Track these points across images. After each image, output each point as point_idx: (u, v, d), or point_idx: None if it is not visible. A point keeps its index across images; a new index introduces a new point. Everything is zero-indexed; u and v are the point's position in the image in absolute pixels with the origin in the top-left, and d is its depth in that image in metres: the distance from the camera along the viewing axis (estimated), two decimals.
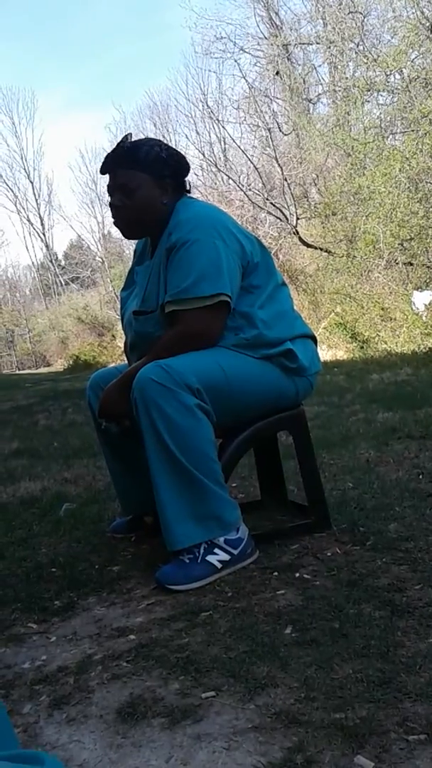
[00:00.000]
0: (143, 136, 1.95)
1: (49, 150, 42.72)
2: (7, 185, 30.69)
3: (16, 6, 36.10)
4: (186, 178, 1.80)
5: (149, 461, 1.59)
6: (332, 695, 1.07)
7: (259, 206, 11.31)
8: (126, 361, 1.96)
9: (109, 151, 1.76)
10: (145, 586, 1.64)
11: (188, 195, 1.81)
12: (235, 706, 1.08)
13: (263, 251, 1.78)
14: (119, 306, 1.99)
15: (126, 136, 1.76)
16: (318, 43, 12.25)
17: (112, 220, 1.78)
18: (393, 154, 8.11)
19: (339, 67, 11.24)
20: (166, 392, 1.55)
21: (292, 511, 2.02)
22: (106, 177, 1.76)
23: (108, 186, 1.76)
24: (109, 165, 1.74)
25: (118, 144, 1.74)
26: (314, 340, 1.88)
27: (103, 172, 1.76)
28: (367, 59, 9.01)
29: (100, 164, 1.76)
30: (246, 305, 1.70)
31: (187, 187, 1.81)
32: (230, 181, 12.98)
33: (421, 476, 2.28)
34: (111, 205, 1.75)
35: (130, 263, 1.99)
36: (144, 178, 1.71)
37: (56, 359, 21.53)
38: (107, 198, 1.76)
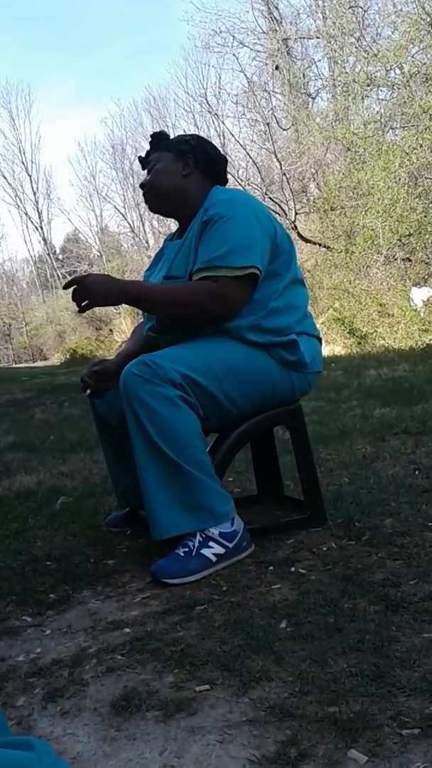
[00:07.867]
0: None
1: (49, 144, 42.56)
2: (5, 178, 30.64)
3: None
4: (224, 172, 1.88)
5: (135, 454, 1.61)
6: (326, 689, 1.07)
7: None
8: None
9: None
10: (141, 579, 1.64)
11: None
12: (230, 699, 1.09)
13: (290, 242, 1.82)
14: None
15: (161, 131, 1.94)
16: (318, 38, 12.21)
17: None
18: (392, 149, 8.09)
19: (339, 61, 11.21)
20: (147, 384, 1.57)
21: (288, 506, 2.02)
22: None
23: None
24: (146, 158, 1.90)
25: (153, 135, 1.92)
26: (320, 341, 1.89)
27: (143, 166, 1.91)
28: (368, 54, 8.99)
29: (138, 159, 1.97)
30: (263, 290, 1.71)
31: (222, 179, 1.88)
32: (229, 176, 12.94)
33: (417, 472, 2.29)
34: (141, 185, 1.90)
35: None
36: (165, 155, 1.84)
37: (53, 353, 21.48)
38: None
